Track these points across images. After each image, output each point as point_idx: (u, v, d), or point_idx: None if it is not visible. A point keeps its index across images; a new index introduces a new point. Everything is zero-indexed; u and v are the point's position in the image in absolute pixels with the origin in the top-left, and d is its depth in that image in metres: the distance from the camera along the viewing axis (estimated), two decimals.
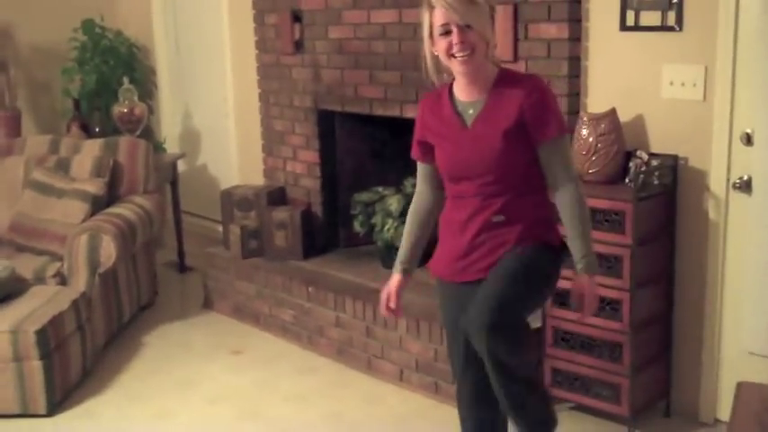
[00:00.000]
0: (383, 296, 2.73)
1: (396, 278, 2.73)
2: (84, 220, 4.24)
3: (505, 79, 2.52)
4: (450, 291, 2.66)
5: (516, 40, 3.53)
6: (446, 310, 2.72)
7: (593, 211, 3.12)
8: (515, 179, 2.51)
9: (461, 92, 2.55)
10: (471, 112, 2.53)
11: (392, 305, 2.72)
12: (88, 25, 5.80)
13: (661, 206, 3.25)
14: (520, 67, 3.53)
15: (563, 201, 2.52)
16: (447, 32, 2.42)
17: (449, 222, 2.64)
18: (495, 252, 2.52)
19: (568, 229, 2.53)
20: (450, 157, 2.56)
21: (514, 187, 2.51)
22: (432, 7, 2.45)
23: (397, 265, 2.74)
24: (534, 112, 2.45)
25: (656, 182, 3.25)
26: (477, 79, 2.50)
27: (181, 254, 5.41)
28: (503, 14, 3.51)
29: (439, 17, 2.44)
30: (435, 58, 2.51)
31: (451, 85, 2.58)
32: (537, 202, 2.57)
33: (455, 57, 2.44)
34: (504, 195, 2.51)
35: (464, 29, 2.41)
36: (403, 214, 4.14)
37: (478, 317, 2.39)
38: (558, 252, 2.59)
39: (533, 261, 2.51)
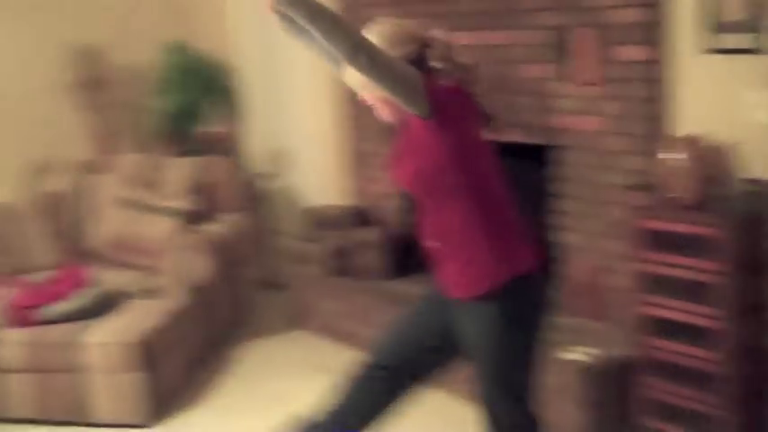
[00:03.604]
0: None
1: None
2: (176, 237, 4.36)
3: None
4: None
5: (599, 62, 3.55)
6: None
7: (683, 236, 3.13)
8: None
9: None
10: None
11: None
12: (178, 47, 5.98)
13: (752, 231, 3.20)
14: (603, 90, 3.55)
15: None
16: None
17: None
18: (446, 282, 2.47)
19: None
20: None
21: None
22: None
23: None
24: None
25: (746, 207, 3.21)
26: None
27: (270, 272, 5.49)
28: (586, 37, 3.54)
29: None
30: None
31: None
32: (464, 222, 2.39)
33: None
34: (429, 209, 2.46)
35: None
36: None
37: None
38: (504, 299, 2.38)
39: (492, 340, 2.40)
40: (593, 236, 3.74)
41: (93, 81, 5.59)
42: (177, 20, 6.14)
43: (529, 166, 4.39)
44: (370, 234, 4.58)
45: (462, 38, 4.04)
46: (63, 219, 4.63)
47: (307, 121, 5.77)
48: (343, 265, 4.66)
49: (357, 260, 4.61)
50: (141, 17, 6.02)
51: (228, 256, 4.47)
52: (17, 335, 3.68)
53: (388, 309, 4.26)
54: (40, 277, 4.06)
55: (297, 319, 4.86)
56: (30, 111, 5.59)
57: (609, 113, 3.58)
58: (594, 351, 3.46)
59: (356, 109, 4.89)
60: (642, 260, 3.30)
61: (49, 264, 4.41)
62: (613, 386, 3.42)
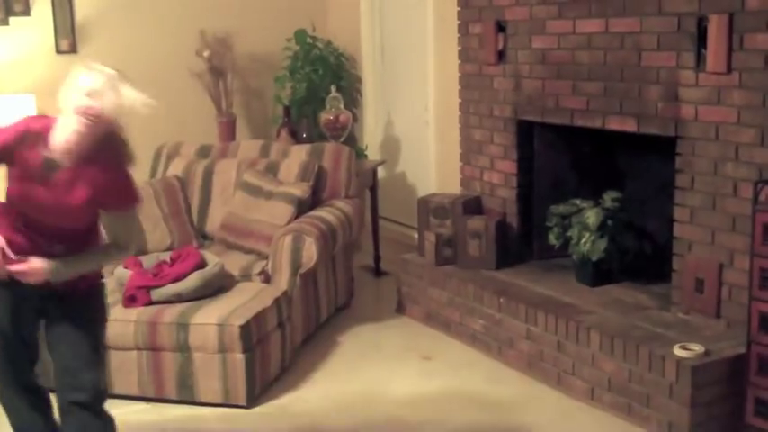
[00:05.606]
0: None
1: None
2: (288, 222, 4.41)
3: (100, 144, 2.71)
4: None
5: (730, 50, 3.37)
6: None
7: None
8: (82, 229, 2.79)
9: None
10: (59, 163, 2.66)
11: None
12: (300, 36, 6.07)
13: None
14: (733, 80, 3.37)
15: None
16: None
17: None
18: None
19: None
20: (29, 195, 2.72)
21: (77, 231, 2.78)
22: None
23: None
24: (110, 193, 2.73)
25: None
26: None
27: (377, 258, 5.54)
28: (717, 24, 3.37)
29: None
30: None
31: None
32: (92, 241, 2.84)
33: None
34: (68, 237, 2.76)
35: None
36: (601, 228, 4.07)
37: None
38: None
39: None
40: (712, 230, 3.57)
41: (221, 68, 5.75)
42: (304, 8, 6.25)
43: (651, 158, 4.25)
44: (479, 223, 4.52)
45: (589, 25, 3.97)
46: (182, 201, 4.77)
47: (421, 110, 5.75)
48: (451, 254, 4.63)
49: (465, 249, 4.56)
50: (270, 5, 6.16)
51: (338, 242, 4.50)
52: (130, 313, 3.81)
53: (492, 299, 4.21)
54: (155, 258, 4.19)
55: (402, 306, 4.86)
56: (158, 96, 5.79)
57: (737, 104, 3.40)
58: (705, 348, 3.32)
59: (468, 99, 4.85)
60: (762, 256, 3.13)
61: (165, 245, 4.56)
62: (723, 385, 3.28)
